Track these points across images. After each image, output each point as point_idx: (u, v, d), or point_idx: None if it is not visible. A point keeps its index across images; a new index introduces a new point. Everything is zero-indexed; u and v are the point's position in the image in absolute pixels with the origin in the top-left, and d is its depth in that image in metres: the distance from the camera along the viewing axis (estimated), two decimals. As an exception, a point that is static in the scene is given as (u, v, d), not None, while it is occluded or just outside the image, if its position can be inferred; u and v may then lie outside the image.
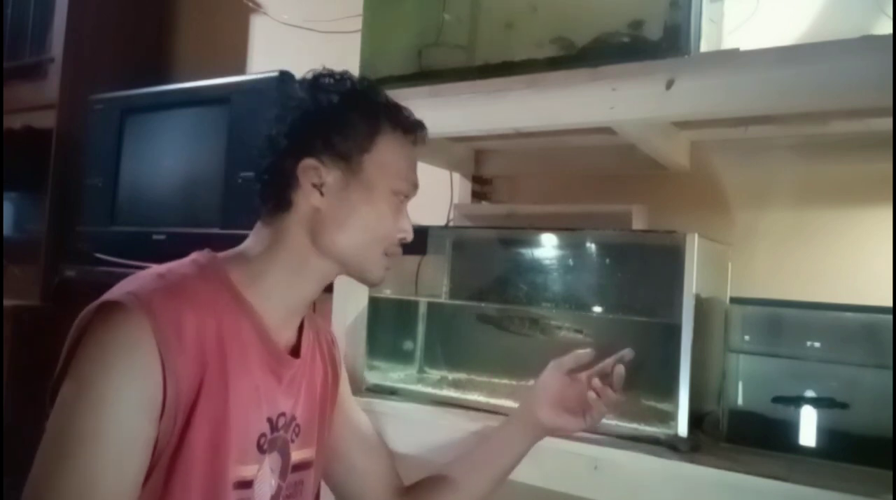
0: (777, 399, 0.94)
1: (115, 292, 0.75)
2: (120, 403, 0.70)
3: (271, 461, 0.86)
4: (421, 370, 1.40)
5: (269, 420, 0.85)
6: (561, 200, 1.52)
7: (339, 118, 0.86)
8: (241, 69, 2.13)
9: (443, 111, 1.14)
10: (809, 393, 0.93)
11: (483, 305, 1.34)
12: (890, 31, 1.08)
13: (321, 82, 0.89)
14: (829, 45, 0.88)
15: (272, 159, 0.87)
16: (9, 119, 2.13)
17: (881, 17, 1.14)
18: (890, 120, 1.00)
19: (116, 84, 1.91)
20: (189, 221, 1.66)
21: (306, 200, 0.85)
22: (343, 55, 1.58)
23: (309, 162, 0.84)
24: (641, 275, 1.15)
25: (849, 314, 0.95)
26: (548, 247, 1.23)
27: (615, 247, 1.18)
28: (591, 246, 1.18)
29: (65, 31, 2.04)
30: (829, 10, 1.22)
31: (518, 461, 0.97)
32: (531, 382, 1.26)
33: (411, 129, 0.92)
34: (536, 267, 1.24)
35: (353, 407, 1.05)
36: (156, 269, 0.81)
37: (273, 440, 0.86)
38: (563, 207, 1.42)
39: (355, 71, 1.27)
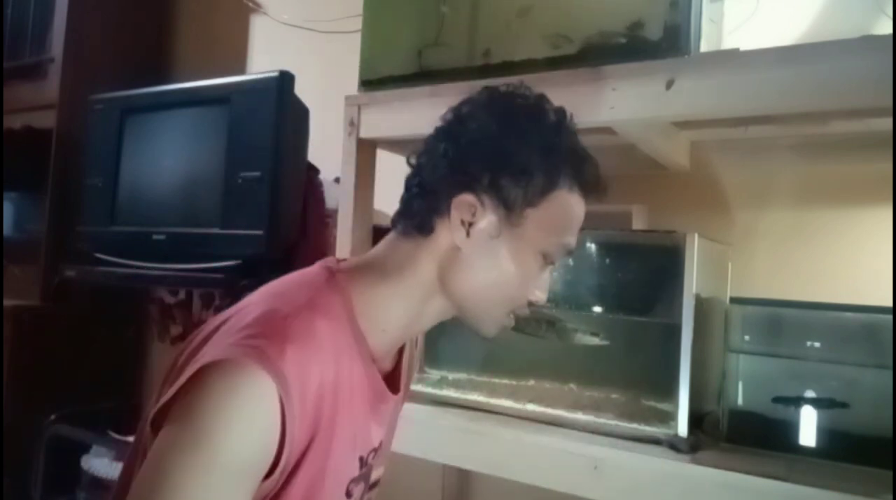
0: (777, 399, 0.94)
1: (244, 346, 0.65)
2: (231, 465, 0.62)
3: (357, 491, 0.80)
4: (421, 370, 1.40)
5: (361, 459, 0.79)
6: (561, 200, 1.51)
7: (518, 160, 0.75)
8: (241, 69, 2.13)
9: (443, 111, 1.14)
10: (809, 393, 0.93)
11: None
12: (890, 31, 1.08)
13: (512, 106, 0.78)
14: (829, 45, 0.88)
15: (430, 175, 0.77)
16: (9, 119, 2.13)
17: (881, 17, 1.14)
18: (890, 120, 1.00)
19: (116, 84, 1.91)
20: (189, 221, 1.66)
21: (450, 233, 0.76)
22: (343, 55, 1.59)
23: (466, 198, 0.75)
24: (641, 275, 1.15)
25: (849, 314, 0.95)
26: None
27: (615, 247, 1.18)
28: (591, 246, 1.18)
29: (65, 31, 2.04)
30: (829, 10, 1.22)
31: None
32: (531, 382, 1.26)
33: (592, 188, 0.80)
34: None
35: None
36: (283, 305, 0.71)
37: (360, 477, 0.80)
38: (563, 207, 1.42)
39: (355, 71, 1.28)
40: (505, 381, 1.29)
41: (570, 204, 0.79)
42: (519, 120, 0.77)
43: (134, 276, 1.70)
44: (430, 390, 1.24)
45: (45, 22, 2.10)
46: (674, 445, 0.96)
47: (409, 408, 1.15)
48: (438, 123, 0.80)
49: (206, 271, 1.53)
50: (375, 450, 0.82)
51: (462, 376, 1.33)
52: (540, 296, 0.81)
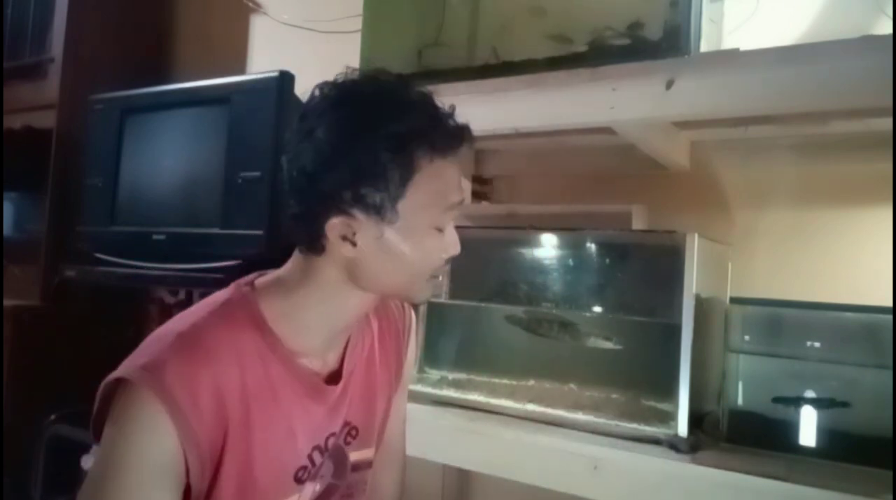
0: (777, 399, 0.94)
1: (130, 366, 0.75)
2: (140, 478, 0.72)
3: (325, 468, 0.86)
4: (421, 370, 1.40)
5: (317, 448, 0.84)
6: (561, 200, 1.51)
7: (369, 168, 0.75)
8: (241, 69, 2.13)
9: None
10: (809, 393, 0.93)
11: (483, 305, 1.34)
12: (890, 31, 1.08)
13: (350, 112, 0.78)
14: (829, 45, 0.88)
15: (296, 202, 0.80)
16: (9, 119, 2.12)
17: (881, 17, 1.14)
18: (890, 120, 1.00)
19: (116, 84, 1.91)
20: (189, 221, 1.65)
21: (337, 250, 0.79)
22: (343, 55, 1.58)
23: (334, 221, 0.77)
24: (641, 275, 1.15)
25: (849, 314, 0.95)
26: (548, 247, 1.23)
27: (615, 247, 1.18)
28: (592, 246, 1.18)
29: (65, 31, 2.04)
30: (829, 10, 1.22)
31: None
32: (531, 382, 1.26)
33: (453, 144, 0.80)
34: (536, 267, 1.24)
35: (399, 402, 1.02)
36: (179, 323, 0.79)
37: (318, 468, 0.85)
38: (563, 207, 1.42)
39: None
40: (505, 381, 1.29)
41: (436, 174, 0.79)
42: (360, 125, 0.77)
43: (134, 276, 1.70)
44: (430, 390, 1.24)
45: (45, 22, 2.10)
46: (674, 445, 0.96)
47: (410, 408, 1.15)
48: (289, 139, 0.80)
49: (206, 270, 1.53)
50: (339, 432, 0.87)
51: (462, 376, 1.34)
52: (453, 252, 0.84)
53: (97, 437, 0.76)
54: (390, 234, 0.78)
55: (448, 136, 0.80)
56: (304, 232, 0.80)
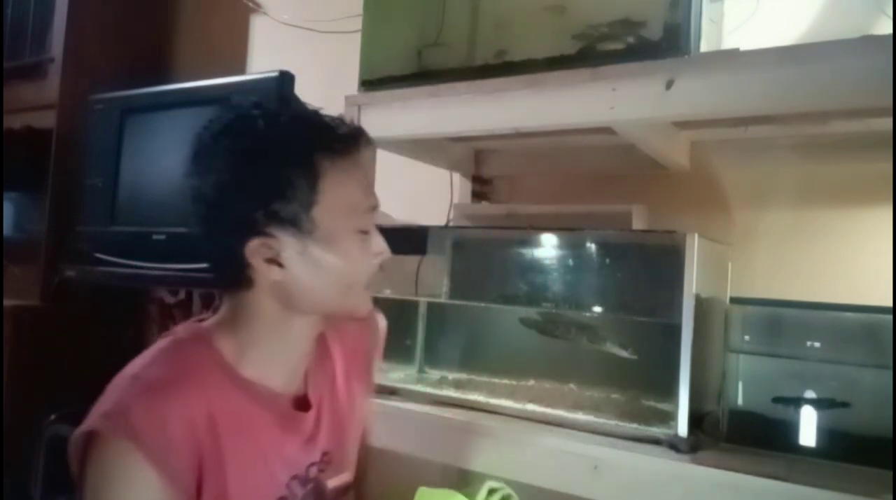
0: (777, 399, 0.94)
1: (94, 417, 0.74)
2: None
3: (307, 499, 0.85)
4: (421, 370, 1.40)
5: (296, 477, 0.84)
6: (561, 200, 1.51)
7: (277, 179, 0.75)
8: (241, 69, 2.13)
9: (443, 111, 1.15)
10: (809, 393, 0.92)
11: (483, 305, 1.34)
12: (890, 31, 1.08)
13: (237, 138, 0.78)
14: (829, 45, 0.88)
15: (211, 238, 0.80)
16: (9, 119, 2.12)
17: (881, 17, 1.14)
18: (890, 120, 1.00)
19: (116, 84, 1.91)
20: (189, 221, 1.66)
21: (266, 276, 0.78)
22: (343, 55, 1.59)
23: (253, 244, 0.76)
24: (641, 275, 1.15)
25: (849, 314, 0.95)
26: (548, 247, 1.23)
27: (615, 247, 1.18)
28: (591, 246, 1.18)
29: (65, 31, 2.04)
30: (829, 10, 1.22)
31: None
32: (531, 382, 1.26)
33: (350, 146, 0.81)
34: (536, 267, 1.24)
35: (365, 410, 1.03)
36: (132, 368, 0.78)
37: (297, 493, 0.85)
38: (563, 207, 1.42)
39: (355, 71, 1.28)
40: (505, 381, 1.29)
41: (343, 175, 0.79)
42: (255, 144, 0.77)
43: (134, 276, 1.70)
44: (430, 390, 1.24)
45: (45, 22, 2.10)
46: (674, 445, 0.96)
47: (410, 408, 1.15)
48: (188, 180, 0.80)
49: (206, 270, 1.53)
50: (315, 463, 0.87)
51: (462, 376, 1.34)
52: (381, 252, 0.84)
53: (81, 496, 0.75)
54: (313, 247, 0.78)
55: (343, 137, 0.80)
56: (227, 268, 0.80)
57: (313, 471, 0.86)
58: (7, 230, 2.16)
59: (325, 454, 0.88)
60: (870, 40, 0.87)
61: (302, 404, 0.87)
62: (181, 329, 0.84)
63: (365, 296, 0.85)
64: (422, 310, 1.42)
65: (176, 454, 0.73)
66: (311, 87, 1.61)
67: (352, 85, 1.28)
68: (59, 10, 2.06)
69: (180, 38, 2.33)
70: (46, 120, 2.04)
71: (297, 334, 0.84)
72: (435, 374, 1.37)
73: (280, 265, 0.77)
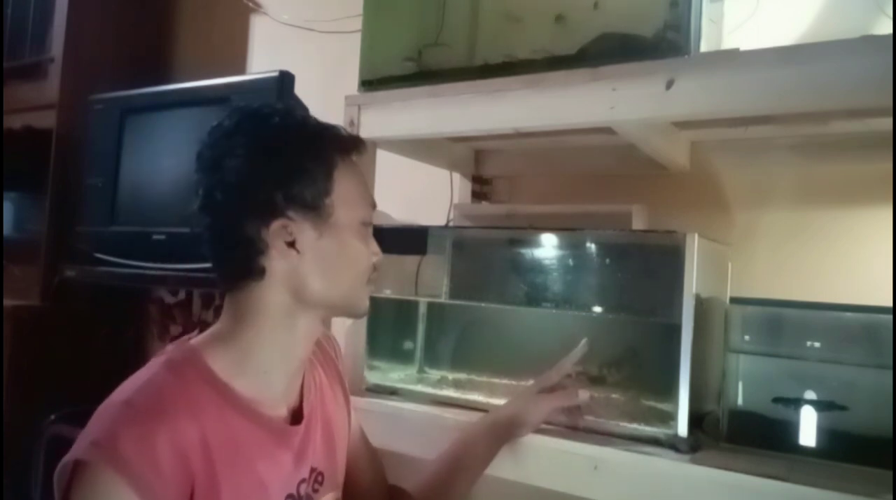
0: (777, 400, 0.94)
1: (82, 445, 0.72)
2: None
3: None
4: (421, 370, 1.40)
5: (290, 496, 0.84)
6: (561, 200, 1.52)
7: (296, 166, 0.80)
8: (241, 69, 2.13)
9: (443, 111, 1.14)
10: (809, 394, 0.92)
11: (482, 305, 1.34)
12: (890, 31, 1.07)
13: (259, 124, 0.82)
14: (829, 45, 0.88)
15: (228, 225, 0.81)
16: (9, 119, 2.13)
17: (881, 17, 1.14)
18: (890, 120, 1.00)
19: (116, 84, 1.91)
20: (189, 221, 1.66)
21: (282, 262, 0.80)
22: (343, 55, 1.59)
23: (276, 224, 0.79)
24: (641, 275, 1.15)
25: (849, 314, 0.95)
26: (548, 247, 1.23)
27: (615, 247, 1.18)
28: (591, 246, 1.18)
29: (65, 31, 2.04)
30: (829, 10, 1.22)
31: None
32: (531, 382, 1.26)
33: (355, 147, 0.88)
34: (536, 267, 1.24)
35: (355, 420, 1.03)
36: (121, 393, 0.77)
37: None
38: (563, 207, 1.42)
39: (355, 71, 1.28)
40: (505, 381, 1.29)
41: (350, 171, 0.86)
42: (275, 135, 0.82)
43: (134, 276, 1.70)
44: (430, 390, 1.24)
45: (45, 22, 2.10)
46: (674, 445, 0.96)
47: (410, 408, 1.15)
48: (202, 170, 0.82)
49: (206, 270, 1.53)
50: (309, 478, 0.87)
51: (462, 376, 1.33)
52: (378, 253, 0.89)
53: None
54: (328, 234, 0.82)
55: (348, 137, 0.88)
56: (241, 257, 0.80)
57: (306, 489, 0.86)
58: (7, 230, 2.16)
59: (315, 470, 0.88)
60: (870, 40, 0.86)
61: (296, 416, 0.87)
62: (172, 349, 0.82)
63: (366, 294, 0.89)
64: (422, 310, 1.42)
65: (165, 486, 0.71)
66: (311, 87, 1.62)
67: (352, 85, 1.28)
68: (59, 10, 2.06)
69: (180, 38, 2.33)
70: (46, 120, 2.04)
71: (301, 333, 0.85)
72: (435, 374, 1.37)
73: (298, 252, 0.80)
